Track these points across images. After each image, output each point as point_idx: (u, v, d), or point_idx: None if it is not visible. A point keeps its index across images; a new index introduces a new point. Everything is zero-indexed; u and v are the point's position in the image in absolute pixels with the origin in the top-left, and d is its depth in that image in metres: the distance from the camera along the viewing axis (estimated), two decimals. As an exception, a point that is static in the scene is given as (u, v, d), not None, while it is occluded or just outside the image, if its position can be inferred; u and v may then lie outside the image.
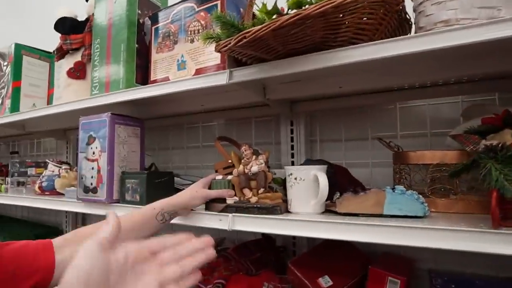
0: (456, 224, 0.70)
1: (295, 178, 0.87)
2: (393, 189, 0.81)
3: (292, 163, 1.34)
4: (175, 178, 1.35)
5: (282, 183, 1.14)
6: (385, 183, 1.01)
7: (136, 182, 1.11)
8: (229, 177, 0.98)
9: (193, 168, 1.65)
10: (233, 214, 0.88)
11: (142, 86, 1.14)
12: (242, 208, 0.88)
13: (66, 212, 1.99)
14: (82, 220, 2.05)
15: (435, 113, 1.18)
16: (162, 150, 1.78)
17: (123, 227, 0.85)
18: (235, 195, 0.94)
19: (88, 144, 1.21)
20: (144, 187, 1.09)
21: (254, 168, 0.92)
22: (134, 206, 1.10)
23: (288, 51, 0.86)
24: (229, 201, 0.92)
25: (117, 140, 1.18)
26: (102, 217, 0.89)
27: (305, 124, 1.32)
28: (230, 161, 1.07)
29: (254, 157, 0.96)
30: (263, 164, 0.94)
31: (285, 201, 0.93)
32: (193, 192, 0.93)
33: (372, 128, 1.24)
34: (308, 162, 1.06)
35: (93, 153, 1.19)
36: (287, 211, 0.90)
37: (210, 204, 0.95)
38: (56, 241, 0.78)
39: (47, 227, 2.06)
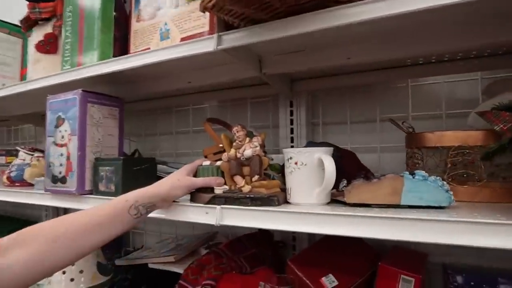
0: (489, 215, 0.58)
1: (296, 163, 0.72)
2: (413, 174, 0.67)
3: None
4: (161, 166, 1.21)
5: (280, 170, 1.00)
6: (395, 170, 0.87)
7: (110, 170, 0.96)
8: (218, 162, 0.83)
9: (183, 155, 1.50)
10: (222, 206, 0.74)
11: (118, 58, 0.98)
12: (233, 198, 0.74)
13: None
14: (64, 213, 1.89)
15: (451, 92, 1.04)
16: (149, 136, 1.62)
17: (88, 222, 0.72)
18: (225, 183, 0.80)
19: (56, 126, 1.06)
20: (120, 175, 0.94)
21: (248, 152, 0.78)
22: (108, 197, 0.95)
23: (288, 9, 0.71)
24: (218, 190, 0.77)
25: (89, 122, 1.03)
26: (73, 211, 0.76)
27: (306, 105, 1.18)
28: (221, 145, 0.93)
29: (247, 139, 0.81)
30: (258, 148, 0.80)
31: (284, 190, 0.79)
32: (175, 180, 0.78)
33: (381, 109, 1.10)
34: (311, 144, 0.91)
35: (62, 137, 1.04)
36: (286, 202, 0.76)
37: (196, 195, 0.80)
38: (3, 241, 0.63)
39: (23, 221, 1.90)
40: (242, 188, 0.76)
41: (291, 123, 1.19)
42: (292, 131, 1.19)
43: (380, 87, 1.11)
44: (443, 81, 1.04)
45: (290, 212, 0.67)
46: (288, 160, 0.73)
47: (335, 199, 0.73)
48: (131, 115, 1.63)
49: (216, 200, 0.74)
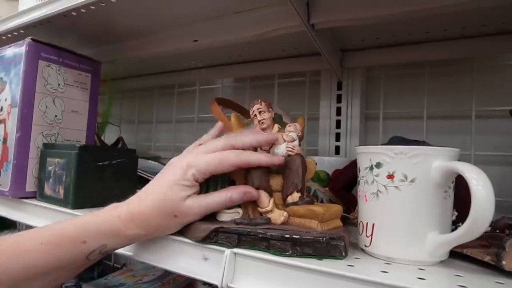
0: None
1: (390, 176, 0.35)
2: None
3: (337, 150, 0.82)
4: (149, 163, 0.86)
5: (328, 181, 0.64)
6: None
7: (61, 164, 0.61)
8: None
9: (184, 149, 1.15)
10: (234, 249, 0.37)
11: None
12: (253, 236, 0.37)
13: None
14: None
15: None
16: (143, 123, 1.28)
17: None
18: (238, 205, 0.44)
19: (-4, 93, 0.72)
20: (73, 173, 0.59)
21: (279, 149, 0.43)
22: (54, 207, 0.60)
23: None
24: (225, 215, 0.42)
25: (40, 88, 0.68)
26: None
27: (362, 88, 0.81)
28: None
29: (276, 126, 0.46)
30: (297, 142, 0.44)
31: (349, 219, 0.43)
32: (166, 207, 0.40)
33: (477, 98, 0.72)
34: (402, 142, 0.53)
35: (1, 108, 0.70)
36: (360, 249, 0.40)
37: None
38: None
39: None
40: (270, 215, 0.41)
41: (338, 113, 0.83)
42: (338, 124, 0.82)
43: (481, 65, 0.73)
44: None
45: (388, 285, 0.30)
46: (369, 169, 0.37)
47: (457, 251, 0.36)
48: (122, 95, 1.29)
49: (221, 236, 0.38)
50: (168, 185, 0.39)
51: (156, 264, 0.42)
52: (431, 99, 0.76)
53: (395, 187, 0.34)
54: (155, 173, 0.73)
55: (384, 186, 0.35)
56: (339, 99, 0.83)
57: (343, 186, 0.60)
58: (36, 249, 0.38)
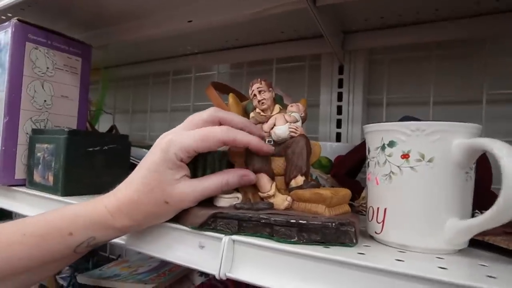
0: None
1: (405, 156, 0.32)
2: None
3: (338, 137, 0.80)
4: (141, 151, 0.83)
5: (330, 167, 0.61)
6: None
7: (50, 149, 0.58)
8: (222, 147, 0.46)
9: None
10: (233, 235, 0.35)
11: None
12: (255, 222, 0.34)
13: None
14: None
15: None
16: (138, 112, 1.24)
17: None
18: (236, 189, 0.41)
19: (-19, 77, 0.68)
20: (62, 159, 0.55)
21: (281, 130, 0.40)
22: (44, 194, 0.57)
23: None
24: (224, 200, 0.39)
25: (28, 72, 0.65)
26: None
27: (364, 73, 0.78)
28: None
29: (277, 106, 0.44)
30: (300, 123, 0.41)
31: (354, 207, 0.40)
32: (156, 190, 0.36)
33: (488, 82, 0.69)
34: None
35: (-13, 92, 0.66)
36: (369, 236, 0.37)
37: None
38: None
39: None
40: (273, 200, 0.38)
41: (339, 98, 0.79)
42: (339, 110, 0.79)
43: (494, 46, 0.69)
44: None
45: (405, 275, 0.27)
46: (381, 148, 0.34)
47: (477, 239, 0.33)
48: (116, 83, 1.25)
49: (220, 221, 0.35)
50: (151, 168, 0.36)
51: (148, 253, 0.39)
52: (438, 83, 0.72)
53: (411, 167, 0.31)
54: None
55: (398, 167, 0.32)
56: (340, 84, 0.80)
57: (347, 172, 0.57)
58: (19, 241, 0.35)
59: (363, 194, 0.51)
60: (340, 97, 0.79)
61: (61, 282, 0.93)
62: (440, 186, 0.31)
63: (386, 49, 0.77)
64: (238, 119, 0.39)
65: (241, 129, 0.38)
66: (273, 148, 0.40)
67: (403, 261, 0.29)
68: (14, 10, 0.75)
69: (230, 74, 1.03)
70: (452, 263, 0.29)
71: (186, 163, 0.37)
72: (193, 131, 0.36)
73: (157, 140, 0.38)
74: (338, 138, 0.79)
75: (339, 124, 0.79)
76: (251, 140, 0.37)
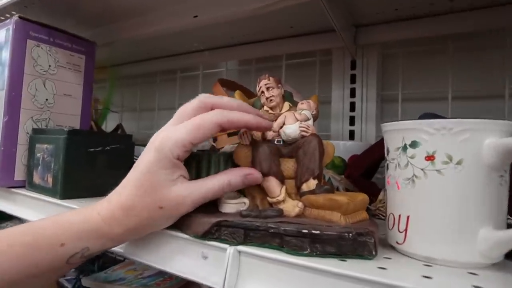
0: None
1: (430, 157, 0.29)
2: None
3: (351, 135, 0.76)
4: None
5: (344, 168, 0.58)
6: None
7: (49, 150, 0.56)
8: (227, 148, 0.43)
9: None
10: (238, 246, 0.31)
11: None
12: (263, 231, 0.31)
13: None
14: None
15: None
16: (145, 111, 1.22)
17: None
18: (243, 194, 0.38)
19: (-18, 76, 0.66)
20: (61, 159, 0.53)
21: (291, 129, 0.37)
22: (43, 197, 0.55)
23: None
24: (229, 206, 0.36)
25: (29, 70, 0.62)
26: None
27: (378, 67, 0.74)
28: None
29: (286, 104, 0.41)
30: (311, 122, 0.38)
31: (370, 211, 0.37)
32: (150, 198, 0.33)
33: (510, 75, 0.65)
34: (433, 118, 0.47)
35: (-13, 92, 0.64)
36: (389, 245, 0.34)
37: (186, 214, 0.37)
38: None
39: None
40: (282, 206, 0.35)
41: (352, 94, 0.76)
42: (353, 107, 0.76)
43: None
44: None
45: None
46: (401, 149, 0.30)
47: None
48: (123, 82, 1.23)
49: (224, 230, 0.32)
50: (143, 169, 0.33)
51: (147, 263, 0.36)
52: (456, 77, 0.68)
53: (437, 171, 0.28)
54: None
55: (422, 170, 0.29)
56: (353, 79, 0.76)
57: (362, 173, 0.54)
58: (6, 252, 0.32)
59: (380, 197, 0.48)
60: (353, 93, 0.76)
61: (65, 284, 0.91)
62: (471, 192, 0.27)
63: (399, 43, 0.73)
64: (231, 101, 0.36)
65: (236, 110, 0.35)
66: (272, 123, 0.37)
67: (431, 278, 0.25)
68: (17, 7, 0.73)
69: (238, 71, 1.00)
70: (489, 280, 0.25)
71: (183, 161, 0.34)
72: (185, 122, 0.33)
73: (151, 139, 0.35)
74: (352, 136, 0.76)
75: (352, 121, 0.76)
76: (248, 118, 0.34)
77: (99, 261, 0.98)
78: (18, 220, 1.33)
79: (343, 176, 0.55)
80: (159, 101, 1.17)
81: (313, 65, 0.84)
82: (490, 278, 0.26)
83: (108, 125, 1.13)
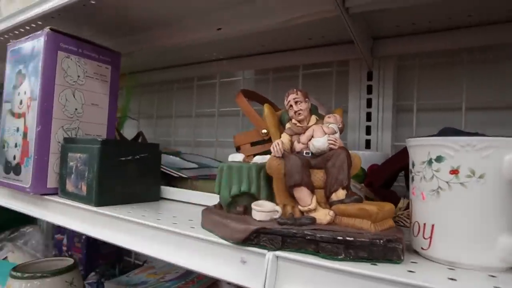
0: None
1: (455, 171, 0.31)
2: None
3: (367, 144, 0.78)
4: (171, 158, 0.83)
5: (363, 177, 0.60)
6: None
7: (83, 159, 0.59)
8: (258, 159, 0.45)
9: (204, 144, 1.12)
10: (276, 251, 0.34)
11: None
12: (298, 237, 0.34)
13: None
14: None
15: None
16: (162, 118, 1.25)
17: None
18: (274, 202, 0.40)
19: (15, 87, 0.70)
20: (96, 168, 0.56)
21: (320, 142, 0.39)
22: (77, 204, 0.57)
23: None
24: (262, 214, 0.38)
25: (60, 81, 0.66)
26: None
27: (394, 78, 0.77)
28: (264, 131, 0.56)
29: (313, 117, 0.43)
30: (338, 134, 0.41)
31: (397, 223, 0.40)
32: None
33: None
34: (456, 134, 0.49)
35: (20, 102, 0.68)
36: (413, 251, 0.36)
37: (221, 220, 0.40)
38: None
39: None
40: (314, 214, 0.37)
41: (369, 105, 0.78)
42: (369, 117, 0.78)
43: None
44: None
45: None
46: (427, 163, 0.33)
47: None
48: (141, 89, 1.26)
49: (263, 237, 0.35)
50: None
51: (188, 267, 0.39)
52: (470, 89, 0.71)
53: (461, 183, 0.30)
54: (178, 169, 0.71)
55: (447, 182, 0.31)
56: (369, 90, 0.78)
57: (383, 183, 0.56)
58: None
59: (399, 205, 0.50)
60: (369, 103, 0.78)
61: (88, 288, 0.94)
62: (492, 203, 0.30)
63: (416, 55, 0.76)
64: None
65: None
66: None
67: (455, 280, 0.28)
68: (44, 19, 0.76)
69: (255, 80, 1.03)
70: (508, 282, 0.28)
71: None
72: None
73: None
74: (368, 145, 0.78)
75: (368, 131, 0.78)
76: None
77: (120, 265, 1.01)
78: (37, 225, 1.37)
79: (363, 184, 0.57)
80: (176, 108, 1.20)
81: (330, 75, 0.86)
82: (509, 280, 0.29)
83: (126, 132, 1.16)
